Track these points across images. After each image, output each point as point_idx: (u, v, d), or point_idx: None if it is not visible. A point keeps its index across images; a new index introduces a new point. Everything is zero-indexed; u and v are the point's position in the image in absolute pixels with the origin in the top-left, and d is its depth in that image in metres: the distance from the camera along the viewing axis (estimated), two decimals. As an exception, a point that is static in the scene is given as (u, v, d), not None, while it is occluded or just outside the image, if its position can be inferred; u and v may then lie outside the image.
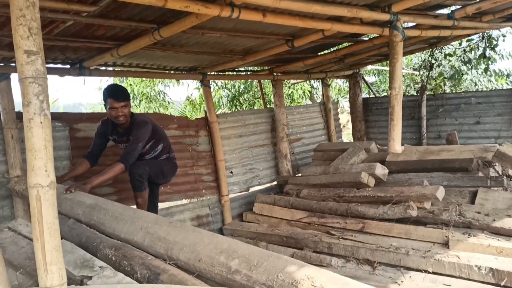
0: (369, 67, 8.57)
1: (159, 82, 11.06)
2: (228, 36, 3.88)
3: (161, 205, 5.25)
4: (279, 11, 3.16)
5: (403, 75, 11.29)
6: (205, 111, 5.78)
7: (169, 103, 11.77)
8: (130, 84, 10.81)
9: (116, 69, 5.14)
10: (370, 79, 13.08)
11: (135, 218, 2.49)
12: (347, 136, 12.81)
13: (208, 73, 5.58)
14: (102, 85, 10.93)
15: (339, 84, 13.92)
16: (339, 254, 4.25)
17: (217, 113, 5.99)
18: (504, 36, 8.50)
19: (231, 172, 5.98)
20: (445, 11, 4.71)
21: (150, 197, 4.08)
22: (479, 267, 3.35)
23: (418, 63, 10.94)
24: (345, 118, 12.77)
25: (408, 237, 4.13)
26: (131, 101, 12.02)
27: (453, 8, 4.69)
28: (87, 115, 5.23)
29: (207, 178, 5.66)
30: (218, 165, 5.69)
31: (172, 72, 5.58)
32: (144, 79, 10.44)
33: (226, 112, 11.14)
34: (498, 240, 3.65)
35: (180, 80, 10.67)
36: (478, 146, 4.94)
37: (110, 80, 10.00)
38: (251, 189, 6.28)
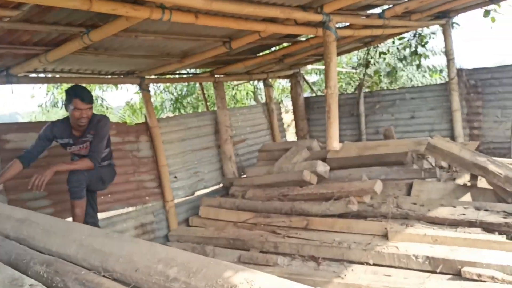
0: (309, 66, 8.75)
1: (97, 87, 10.67)
2: (163, 39, 3.81)
3: (102, 215, 5.06)
4: (212, 13, 3.13)
5: (343, 74, 11.69)
6: (145, 116, 5.64)
7: (107, 108, 11.39)
8: (65, 91, 10.26)
9: (47, 76, 4.89)
10: (312, 78, 13.36)
11: (68, 231, 2.37)
12: (292, 135, 13.01)
13: (146, 76, 5.44)
14: (35, 93, 10.38)
15: (282, 84, 14.11)
16: (285, 252, 4.30)
17: (160, 117, 5.86)
18: (433, 33, 8.98)
19: (175, 177, 5.88)
20: (377, 10, 4.89)
21: (88, 205, 3.91)
22: (416, 256, 3.50)
23: (358, 62, 11.31)
24: (289, 117, 12.96)
25: (350, 231, 4.25)
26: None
27: (384, 7, 4.88)
28: (17, 125, 4.93)
29: (150, 185, 5.52)
30: (161, 170, 5.57)
31: (108, 76, 5.39)
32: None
33: (169, 115, 10.96)
34: (433, 229, 3.83)
35: (119, 85, 10.36)
36: (412, 140, 5.18)
37: (44, 87, 9.52)
38: (197, 193, 6.20)
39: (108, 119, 3.88)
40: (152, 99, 12.75)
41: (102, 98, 11.07)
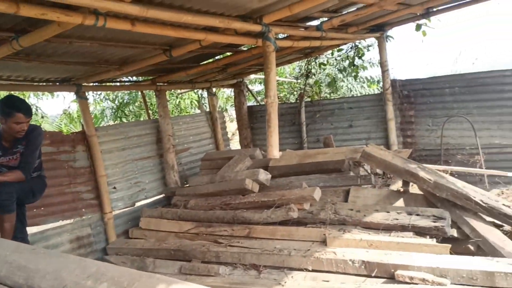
0: (252, 76, 8.84)
1: (31, 94, 10.14)
2: (100, 46, 3.69)
3: (34, 229, 4.80)
4: (150, 20, 3.09)
5: (286, 83, 11.91)
6: (82, 125, 5.43)
7: (42, 117, 10.84)
8: (2, 102, 9.65)
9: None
10: (256, 87, 13.50)
11: (-9, 248, 2.23)
12: (237, 144, 13.05)
13: (84, 84, 5.25)
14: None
15: (226, 93, 14.15)
16: (227, 261, 4.29)
17: (100, 125, 5.66)
18: (370, 46, 9.39)
19: (114, 188, 5.69)
20: (315, 23, 5.04)
21: (17, 219, 3.70)
22: (353, 261, 3.62)
23: (299, 72, 11.57)
24: (234, 126, 13.00)
25: (291, 238, 4.33)
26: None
27: (322, 20, 5.04)
28: None
29: (87, 196, 5.30)
30: (99, 181, 5.37)
31: (43, 84, 5.15)
32: (11, 92, 9.45)
33: (110, 124, 10.63)
34: (369, 234, 3.99)
35: (55, 92, 9.90)
36: (349, 147, 5.39)
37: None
38: (138, 204, 6.04)
39: (41, 129, 3.82)
40: (92, 107, 12.39)
41: (36, 107, 10.52)
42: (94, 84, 5.60)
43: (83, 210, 5.25)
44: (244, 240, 4.50)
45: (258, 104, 9.48)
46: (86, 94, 5.51)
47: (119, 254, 5.13)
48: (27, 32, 2.94)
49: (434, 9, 5.69)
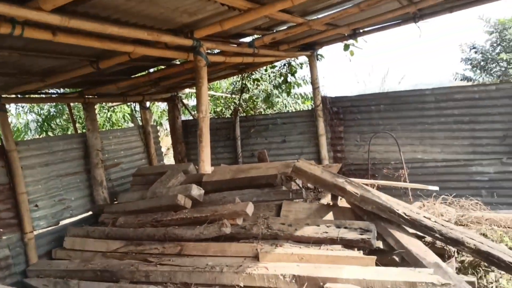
0: (187, 90, 8.76)
1: None
2: (20, 56, 3.47)
3: None
4: (75, 31, 2.96)
5: (222, 98, 11.93)
6: (1, 139, 5.06)
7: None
8: None
9: None
10: (192, 102, 13.39)
11: None
12: (172, 158, 12.80)
13: (3, 95, 4.91)
14: None
15: (161, 107, 13.88)
16: (157, 281, 4.15)
17: (24, 139, 5.29)
18: (301, 64, 9.66)
19: (36, 206, 5.33)
20: (248, 39, 5.10)
21: None
22: (284, 275, 3.65)
23: (233, 87, 11.64)
24: (170, 140, 12.75)
25: (224, 254, 4.28)
26: None
27: (254, 37, 5.12)
28: None
29: (4, 215, 4.92)
30: (18, 198, 5.00)
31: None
32: None
33: (35, 138, 10.01)
34: (300, 247, 4.04)
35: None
36: (282, 162, 5.45)
37: None
38: (62, 222, 5.69)
39: None
40: (14, 120, 11.62)
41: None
42: (16, 96, 5.25)
43: (1, 230, 4.86)
44: (175, 258, 4.38)
45: (193, 118, 9.39)
46: (8, 106, 5.15)
47: (40, 277, 4.80)
48: None
49: (361, 31, 5.99)
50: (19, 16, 2.25)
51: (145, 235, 4.79)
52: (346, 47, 7.11)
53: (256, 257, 4.04)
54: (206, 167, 3.71)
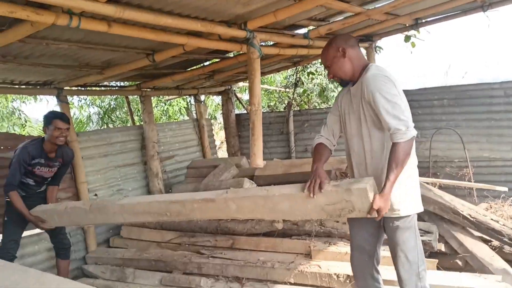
0: (241, 83, 8.75)
1: (14, 98, 9.94)
2: (79, 48, 3.56)
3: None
4: (131, 23, 2.98)
5: (276, 92, 11.86)
6: (63, 130, 5.27)
7: (26, 121, 10.62)
8: (44, 116, 9.42)
9: None
10: (245, 95, 13.44)
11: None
12: (226, 152, 12.94)
13: (65, 88, 5.11)
14: None
15: (216, 101, 14.05)
16: (209, 273, 4.16)
17: (86, 130, 5.49)
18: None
19: (96, 195, 5.53)
20: (303, 31, 4.97)
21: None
22: (337, 275, 3.52)
23: (288, 81, 11.52)
24: (223, 134, 12.89)
25: (275, 250, 4.21)
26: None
27: (309, 28, 4.97)
28: None
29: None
30: (79, 188, 5.21)
31: (23, 87, 5.00)
32: (-6, 95, 9.34)
33: (95, 129, 10.46)
34: (355, 246, 3.88)
35: (38, 96, 9.70)
36: (336, 158, 5.27)
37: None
38: (119, 212, 5.87)
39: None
40: (77, 113, 12.21)
41: (19, 110, 10.30)
42: (77, 88, 5.45)
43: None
44: (227, 251, 4.37)
45: (246, 112, 9.38)
46: (70, 98, 5.36)
47: (98, 264, 4.97)
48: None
49: (423, 20, 5.66)
50: (76, 7, 2.28)
51: (198, 227, 4.83)
52: (407, 39, 6.75)
53: (308, 255, 3.94)
54: (258, 160, 3.64)
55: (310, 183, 2.22)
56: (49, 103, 16.45)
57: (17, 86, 4.97)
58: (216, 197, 2.65)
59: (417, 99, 6.74)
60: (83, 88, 5.58)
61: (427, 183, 5.08)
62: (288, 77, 11.92)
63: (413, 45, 6.96)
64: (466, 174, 6.02)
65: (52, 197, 4.07)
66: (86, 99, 11.72)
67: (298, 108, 8.58)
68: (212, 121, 12.31)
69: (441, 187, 5.04)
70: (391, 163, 2.14)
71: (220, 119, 14.13)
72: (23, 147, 3.77)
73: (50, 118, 3.76)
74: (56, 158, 3.91)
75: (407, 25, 5.72)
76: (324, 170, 2.26)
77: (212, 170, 5.76)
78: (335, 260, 3.78)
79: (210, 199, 2.67)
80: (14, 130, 10.12)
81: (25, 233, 4.78)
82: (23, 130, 10.46)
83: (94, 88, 5.97)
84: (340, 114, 2.50)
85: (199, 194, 2.85)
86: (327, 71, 2.39)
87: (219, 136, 14.27)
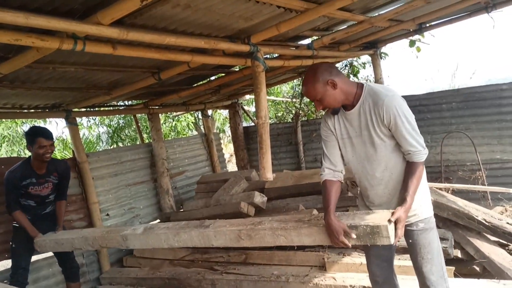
0: (247, 96, 8.77)
1: (23, 122, 10.06)
2: (86, 70, 3.61)
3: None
4: (135, 43, 3.01)
5: (283, 103, 11.84)
6: (73, 151, 5.32)
7: (36, 143, 10.69)
8: (26, 133, 9.55)
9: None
10: (252, 108, 13.46)
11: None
12: (235, 165, 12.93)
13: (74, 109, 5.16)
14: None
15: (223, 114, 14.10)
16: (223, 290, 4.12)
17: (96, 150, 5.52)
18: (364, 63, 9.34)
19: (107, 214, 5.54)
20: (306, 41, 4.98)
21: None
22: (353, 286, 3.47)
23: (293, 92, 11.51)
24: (232, 147, 12.89)
25: (289, 263, 4.17)
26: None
27: (313, 38, 4.97)
28: None
29: (79, 224, 5.15)
30: (91, 208, 5.22)
31: (32, 111, 5.05)
32: (3, 120, 9.43)
33: (104, 149, 10.52)
34: (369, 256, 3.83)
35: (47, 119, 9.79)
36: (347, 167, 5.24)
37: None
38: (132, 230, 5.86)
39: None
40: (87, 133, 12.31)
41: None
42: (85, 109, 5.50)
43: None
44: (240, 267, 4.34)
45: (254, 124, 9.39)
46: (79, 119, 5.40)
47: (112, 284, 4.96)
48: (7, 59, 2.84)
49: (427, 25, 5.64)
50: (80, 31, 2.30)
51: (210, 243, 4.79)
52: (412, 43, 6.74)
53: (322, 267, 3.90)
54: (267, 174, 3.62)
55: (332, 241, 2.29)
56: (58, 125, 16.64)
57: (26, 111, 5.01)
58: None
59: (426, 104, 6.69)
60: (91, 109, 5.63)
61: (440, 189, 5.01)
62: (294, 87, 11.92)
63: (418, 49, 6.95)
64: (479, 177, 5.93)
65: (61, 212, 4.06)
66: (95, 119, 11.84)
67: (306, 118, 8.56)
68: (221, 134, 12.34)
69: (454, 192, 4.97)
70: (412, 180, 2.23)
71: (228, 132, 14.17)
72: (10, 171, 3.78)
73: (33, 136, 3.72)
74: (49, 173, 3.89)
75: (411, 30, 5.71)
76: (336, 219, 2.28)
77: (222, 184, 5.75)
78: (350, 271, 3.72)
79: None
80: (25, 154, 10.22)
81: (39, 256, 4.82)
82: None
83: (102, 109, 6.02)
84: (336, 139, 2.48)
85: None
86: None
87: (228, 149, 14.29)
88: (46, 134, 3.74)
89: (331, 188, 2.45)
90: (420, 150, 2.23)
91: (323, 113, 2.54)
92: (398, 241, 2.22)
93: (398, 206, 2.19)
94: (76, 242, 3.51)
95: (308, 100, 9.76)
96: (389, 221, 2.13)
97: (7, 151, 10.37)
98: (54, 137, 3.91)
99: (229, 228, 2.67)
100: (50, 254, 4.83)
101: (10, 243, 3.95)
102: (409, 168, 2.27)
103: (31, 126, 4.02)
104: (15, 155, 9.90)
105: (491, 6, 5.17)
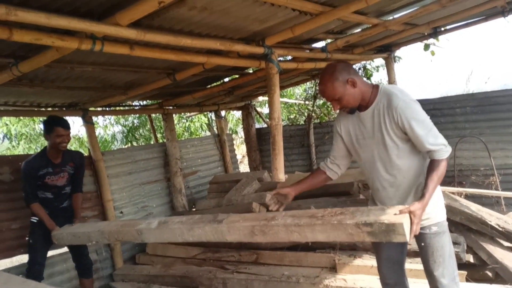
0: (261, 98, 8.81)
1: (40, 120, 10.25)
2: (103, 70, 3.69)
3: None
4: (152, 44, 3.07)
5: (296, 105, 11.87)
6: (89, 149, 5.42)
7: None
8: (6, 124, 9.83)
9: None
10: (265, 109, 13.50)
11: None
12: (247, 166, 12.97)
13: (90, 108, 5.26)
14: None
15: (236, 116, 14.15)
16: (234, 289, 4.16)
17: (111, 149, 5.61)
18: (378, 67, 9.31)
19: (121, 212, 5.63)
20: (321, 44, 5.01)
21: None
22: (363, 288, 3.47)
23: (307, 94, 11.51)
24: (245, 148, 12.94)
25: (300, 264, 4.18)
26: (8, 141, 11.04)
27: (327, 41, 5.00)
28: None
29: (93, 221, 5.24)
30: (105, 206, 5.31)
31: (49, 109, 5.16)
32: (22, 118, 9.65)
33: (119, 148, 10.65)
34: (380, 259, 3.83)
35: (64, 117, 9.95)
36: (358, 169, 5.23)
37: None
38: (145, 229, 5.94)
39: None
40: (102, 132, 12.47)
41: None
42: (101, 108, 5.60)
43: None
44: (251, 266, 4.37)
45: (266, 126, 9.43)
46: (95, 118, 5.50)
47: (125, 281, 5.03)
48: (26, 58, 2.93)
49: (442, 29, 5.62)
50: (98, 32, 2.37)
51: (222, 242, 4.83)
52: (426, 47, 6.72)
53: (333, 268, 3.90)
54: (280, 175, 3.66)
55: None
56: (74, 123, 16.87)
57: (43, 109, 5.13)
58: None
59: (440, 108, 6.66)
60: (107, 109, 5.73)
61: (453, 193, 4.98)
62: (307, 89, 11.92)
63: (433, 53, 6.91)
64: (492, 182, 5.88)
65: (77, 204, 4.14)
66: (110, 118, 12.00)
67: (318, 121, 8.57)
68: (234, 135, 12.39)
69: (467, 197, 4.94)
70: (433, 176, 2.17)
71: (241, 133, 14.23)
72: (27, 161, 3.83)
73: (51, 125, 3.78)
74: (65, 163, 3.95)
75: (426, 33, 5.70)
76: (288, 188, 2.55)
77: (234, 184, 5.78)
78: (361, 274, 3.73)
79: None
80: (41, 151, 10.36)
81: (55, 252, 4.92)
82: (50, 151, 10.67)
83: (118, 108, 6.12)
84: (349, 140, 2.50)
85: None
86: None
87: (241, 150, 14.34)
88: (64, 123, 3.81)
89: (315, 175, 2.67)
90: (441, 148, 2.19)
91: (335, 115, 2.56)
92: (415, 235, 2.19)
93: (415, 201, 2.13)
94: (92, 235, 3.57)
95: (321, 102, 9.76)
96: (401, 211, 2.06)
97: (24, 149, 10.57)
98: (70, 126, 3.96)
99: (242, 223, 2.69)
100: (65, 249, 4.94)
101: (27, 239, 4.03)
102: (431, 164, 2.22)
103: (49, 115, 4.08)
104: (32, 152, 10.09)
105: (508, 10, 5.13)
